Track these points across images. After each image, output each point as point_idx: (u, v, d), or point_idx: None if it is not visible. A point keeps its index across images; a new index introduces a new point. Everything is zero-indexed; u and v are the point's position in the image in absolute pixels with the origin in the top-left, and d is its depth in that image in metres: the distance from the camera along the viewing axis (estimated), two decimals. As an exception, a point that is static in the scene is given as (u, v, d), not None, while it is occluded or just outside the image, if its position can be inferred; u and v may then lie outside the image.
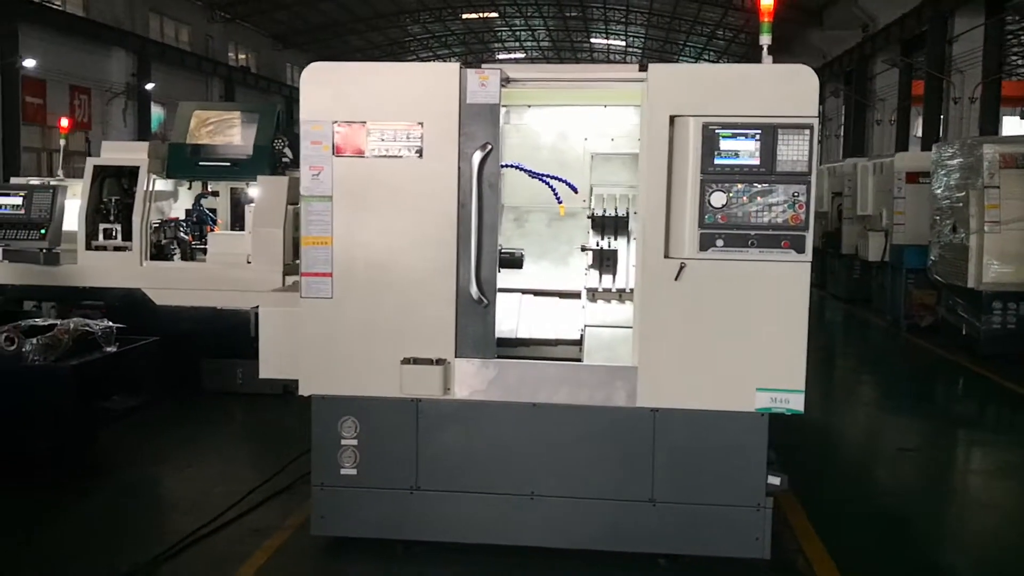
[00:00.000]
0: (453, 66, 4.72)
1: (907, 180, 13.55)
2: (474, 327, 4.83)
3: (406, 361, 4.78)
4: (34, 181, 9.16)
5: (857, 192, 15.29)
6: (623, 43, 49.43)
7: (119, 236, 8.54)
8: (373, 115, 4.76)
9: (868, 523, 5.66)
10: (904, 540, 5.45)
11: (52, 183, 9.03)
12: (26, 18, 24.67)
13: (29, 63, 24.38)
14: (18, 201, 8.39)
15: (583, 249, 5.38)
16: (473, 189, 4.71)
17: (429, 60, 53.77)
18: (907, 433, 8.11)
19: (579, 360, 5.16)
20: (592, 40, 50.00)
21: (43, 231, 8.26)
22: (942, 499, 6.42)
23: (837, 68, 31.70)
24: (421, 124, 4.74)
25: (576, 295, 5.54)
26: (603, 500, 4.82)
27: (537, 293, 5.65)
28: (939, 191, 11.74)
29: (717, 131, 4.59)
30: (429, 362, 4.78)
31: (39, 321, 6.56)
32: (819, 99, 4.58)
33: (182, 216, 9.00)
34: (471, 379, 4.83)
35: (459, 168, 4.74)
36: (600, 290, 5.28)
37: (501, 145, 5.85)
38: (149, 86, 30.52)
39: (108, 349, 6.58)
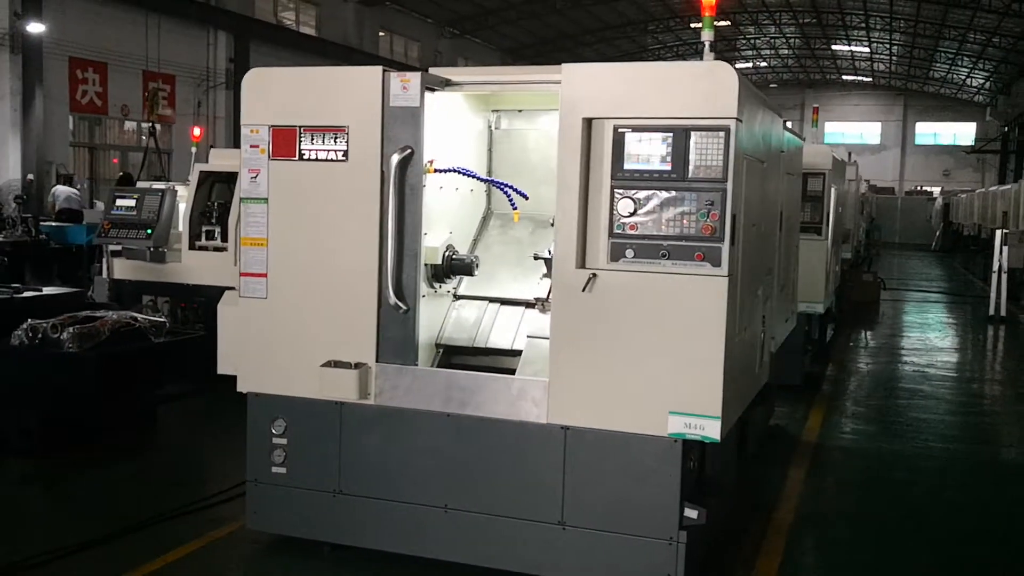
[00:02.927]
0: (376, 69, 4.70)
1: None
2: (395, 333, 4.78)
3: (327, 364, 4.81)
4: (158, 186, 9.94)
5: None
6: (867, 49, 46.81)
7: (219, 238, 9.15)
8: (304, 119, 4.83)
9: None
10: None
11: (176, 187, 9.79)
12: (259, 37, 26.79)
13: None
14: (132, 203, 9.17)
15: (536, 257, 5.19)
16: (390, 192, 4.67)
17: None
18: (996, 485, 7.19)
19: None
20: (834, 47, 47.71)
21: (149, 231, 8.97)
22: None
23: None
24: (346, 128, 4.76)
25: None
26: (514, 519, 4.62)
27: (504, 302, 5.49)
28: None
29: (626, 134, 4.30)
30: (348, 366, 4.78)
31: (98, 313, 7.12)
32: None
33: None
34: (388, 385, 4.78)
35: (382, 172, 4.71)
36: (547, 300, 5.06)
37: (492, 154, 5.83)
38: (375, 99, 32.20)
39: (156, 341, 7.07)
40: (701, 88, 4.21)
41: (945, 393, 10.03)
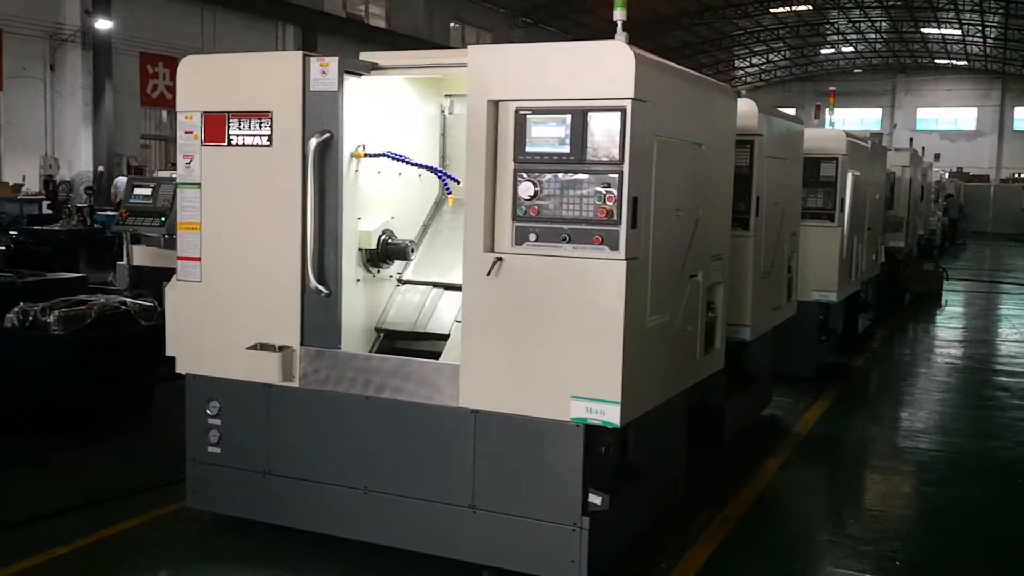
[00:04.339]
0: (297, 55, 4.75)
1: None
2: (319, 316, 4.84)
3: (253, 347, 4.90)
4: (175, 175, 10.18)
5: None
6: (958, 32, 45.11)
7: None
8: (232, 104, 4.91)
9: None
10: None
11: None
12: (327, 30, 27.25)
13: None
14: (148, 191, 9.43)
15: (469, 242, 5.17)
16: (309, 176, 4.71)
17: (746, 57, 52.48)
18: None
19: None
20: (923, 30, 46.14)
21: (163, 219, 9.22)
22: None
23: None
24: (270, 113, 4.82)
25: None
26: (428, 502, 4.64)
27: (449, 287, 5.49)
28: None
29: (527, 116, 4.26)
30: (274, 348, 4.86)
31: (91, 298, 7.35)
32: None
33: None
34: (311, 368, 4.84)
35: (303, 156, 4.77)
36: (477, 285, 5.04)
37: (446, 139, 5.82)
38: (445, 90, 32.46)
39: (145, 324, 7.28)
40: (597, 69, 4.14)
41: (971, 387, 9.66)
